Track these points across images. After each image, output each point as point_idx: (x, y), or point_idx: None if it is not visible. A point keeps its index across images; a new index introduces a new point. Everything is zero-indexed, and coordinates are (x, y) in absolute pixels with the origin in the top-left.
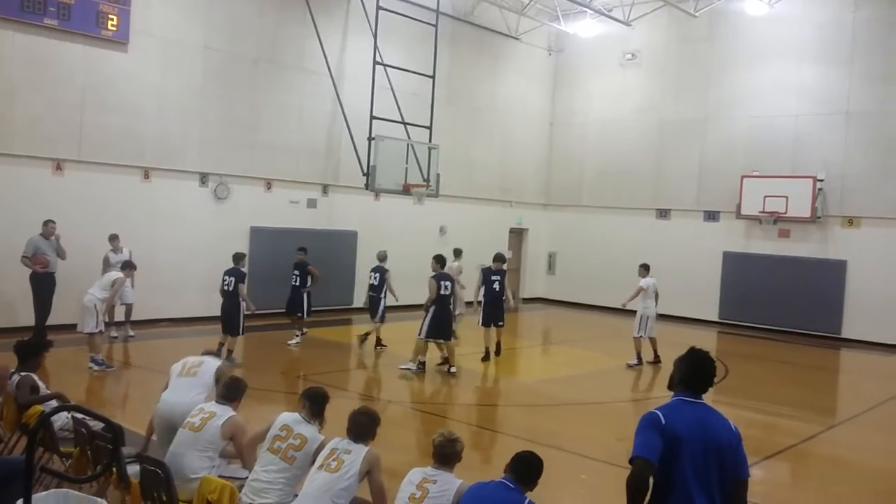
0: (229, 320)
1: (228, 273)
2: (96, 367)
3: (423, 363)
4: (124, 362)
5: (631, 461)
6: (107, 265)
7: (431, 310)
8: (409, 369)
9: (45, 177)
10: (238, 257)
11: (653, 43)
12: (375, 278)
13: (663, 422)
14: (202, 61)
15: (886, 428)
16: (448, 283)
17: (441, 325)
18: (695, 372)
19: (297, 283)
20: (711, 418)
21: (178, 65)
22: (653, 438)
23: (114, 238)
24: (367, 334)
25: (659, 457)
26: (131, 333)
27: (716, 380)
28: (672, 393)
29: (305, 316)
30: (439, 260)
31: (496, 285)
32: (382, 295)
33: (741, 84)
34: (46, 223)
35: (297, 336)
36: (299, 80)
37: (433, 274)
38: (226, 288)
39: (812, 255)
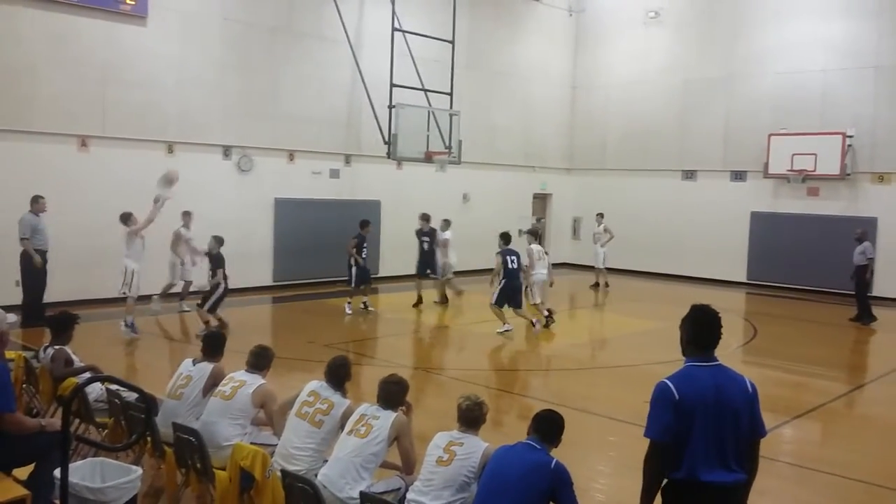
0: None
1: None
2: (124, 329)
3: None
4: (162, 335)
5: (646, 437)
6: (178, 241)
7: (502, 282)
8: (506, 331)
9: (70, 153)
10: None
11: (675, 0)
12: (426, 244)
13: (676, 396)
14: (220, 33)
15: None
16: (514, 258)
17: (510, 294)
18: (700, 329)
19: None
20: (726, 381)
21: (197, 37)
22: (667, 417)
23: (186, 214)
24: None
25: (673, 434)
26: (185, 308)
27: (744, 340)
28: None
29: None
30: (505, 237)
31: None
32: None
33: (766, 40)
34: (37, 199)
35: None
36: (318, 49)
37: (499, 250)
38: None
39: (842, 213)
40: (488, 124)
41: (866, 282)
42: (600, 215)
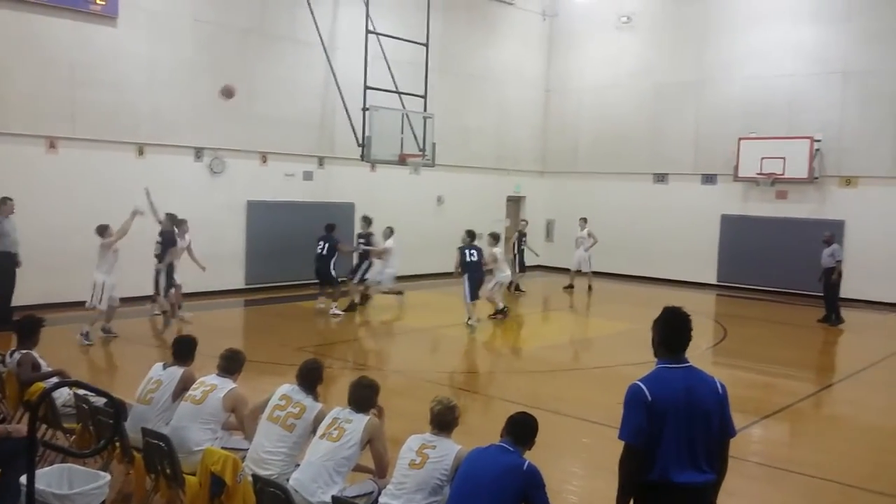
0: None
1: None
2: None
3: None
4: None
5: (621, 440)
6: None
7: (465, 277)
8: (472, 323)
9: (39, 155)
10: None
11: (647, 5)
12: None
13: (649, 398)
14: (192, 34)
15: (884, 386)
16: (474, 252)
17: (474, 287)
18: (670, 331)
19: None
20: (697, 383)
21: (168, 38)
22: (640, 420)
23: (182, 222)
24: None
25: (646, 436)
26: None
27: (714, 341)
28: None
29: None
30: (470, 234)
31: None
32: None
33: (736, 45)
34: (4, 201)
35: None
36: (291, 51)
37: (460, 245)
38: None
39: (810, 216)
40: (462, 127)
41: (834, 283)
42: (584, 220)
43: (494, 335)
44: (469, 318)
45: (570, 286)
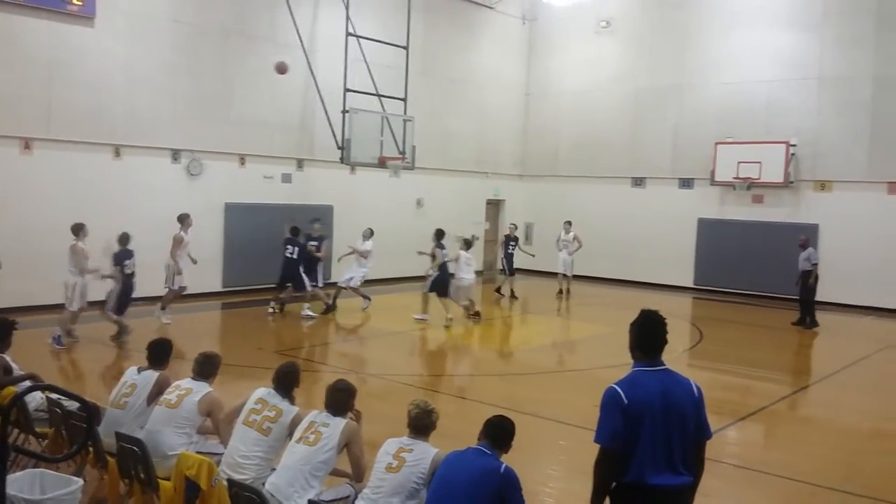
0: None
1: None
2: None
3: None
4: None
5: (596, 443)
6: (178, 245)
7: (436, 273)
8: (422, 319)
9: (13, 156)
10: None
11: (626, 10)
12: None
13: (625, 401)
14: (170, 35)
15: (858, 388)
16: (445, 252)
17: (441, 284)
18: (646, 334)
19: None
20: (673, 385)
21: (146, 39)
22: (616, 423)
23: (185, 217)
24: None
25: (622, 439)
26: (165, 319)
27: (690, 344)
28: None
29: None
30: (438, 233)
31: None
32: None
33: (714, 51)
34: None
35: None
36: (270, 53)
37: (436, 244)
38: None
39: (785, 220)
40: (442, 130)
41: (810, 287)
42: (568, 223)
43: (472, 338)
44: (422, 315)
45: (561, 291)
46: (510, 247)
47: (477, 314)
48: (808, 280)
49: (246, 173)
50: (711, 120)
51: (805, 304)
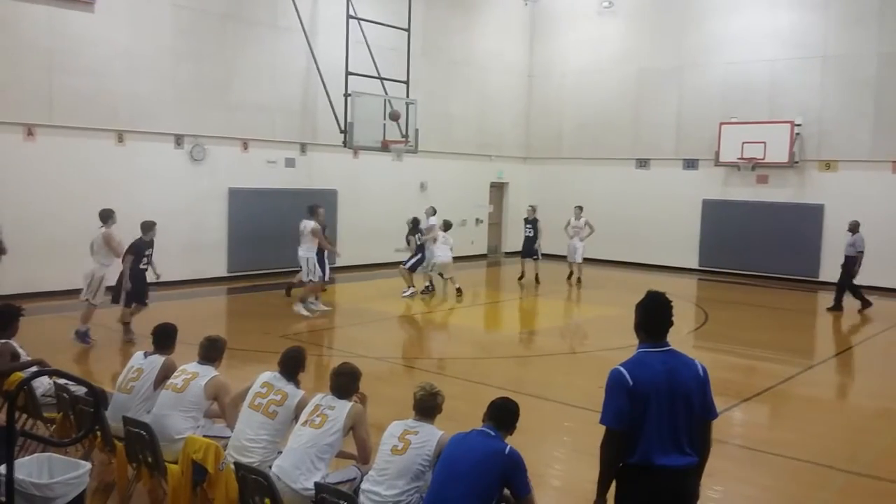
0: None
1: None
2: (74, 338)
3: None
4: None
5: (602, 424)
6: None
7: (419, 254)
8: (410, 295)
9: (16, 143)
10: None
11: None
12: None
13: (630, 382)
14: (171, 19)
15: (862, 368)
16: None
17: (419, 262)
18: (652, 315)
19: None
20: (678, 366)
21: (146, 24)
22: (621, 404)
23: (317, 209)
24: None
25: (628, 420)
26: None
27: (695, 325)
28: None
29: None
30: (414, 221)
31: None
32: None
33: (717, 30)
34: None
35: (410, 289)
36: (271, 37)
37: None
38: None
39: (790, 200)
40: (445, 113)
41: (852, 273)
42: (579, 208)
43: (477, 320)
44: (408, 290)
45: (571, 275)
46: (527, 230)
47: (458, 291)
48: (852, 266)
49: (249, 158)
50: (715, 100)
51: (849, 289)
